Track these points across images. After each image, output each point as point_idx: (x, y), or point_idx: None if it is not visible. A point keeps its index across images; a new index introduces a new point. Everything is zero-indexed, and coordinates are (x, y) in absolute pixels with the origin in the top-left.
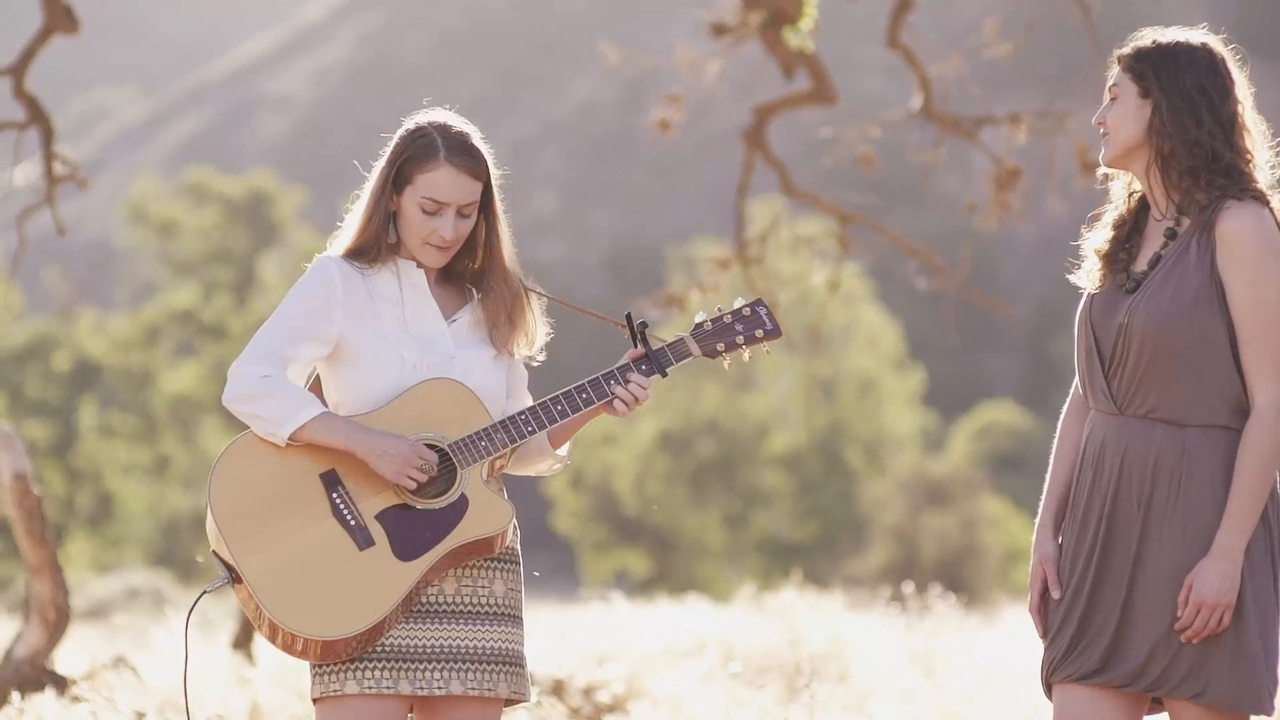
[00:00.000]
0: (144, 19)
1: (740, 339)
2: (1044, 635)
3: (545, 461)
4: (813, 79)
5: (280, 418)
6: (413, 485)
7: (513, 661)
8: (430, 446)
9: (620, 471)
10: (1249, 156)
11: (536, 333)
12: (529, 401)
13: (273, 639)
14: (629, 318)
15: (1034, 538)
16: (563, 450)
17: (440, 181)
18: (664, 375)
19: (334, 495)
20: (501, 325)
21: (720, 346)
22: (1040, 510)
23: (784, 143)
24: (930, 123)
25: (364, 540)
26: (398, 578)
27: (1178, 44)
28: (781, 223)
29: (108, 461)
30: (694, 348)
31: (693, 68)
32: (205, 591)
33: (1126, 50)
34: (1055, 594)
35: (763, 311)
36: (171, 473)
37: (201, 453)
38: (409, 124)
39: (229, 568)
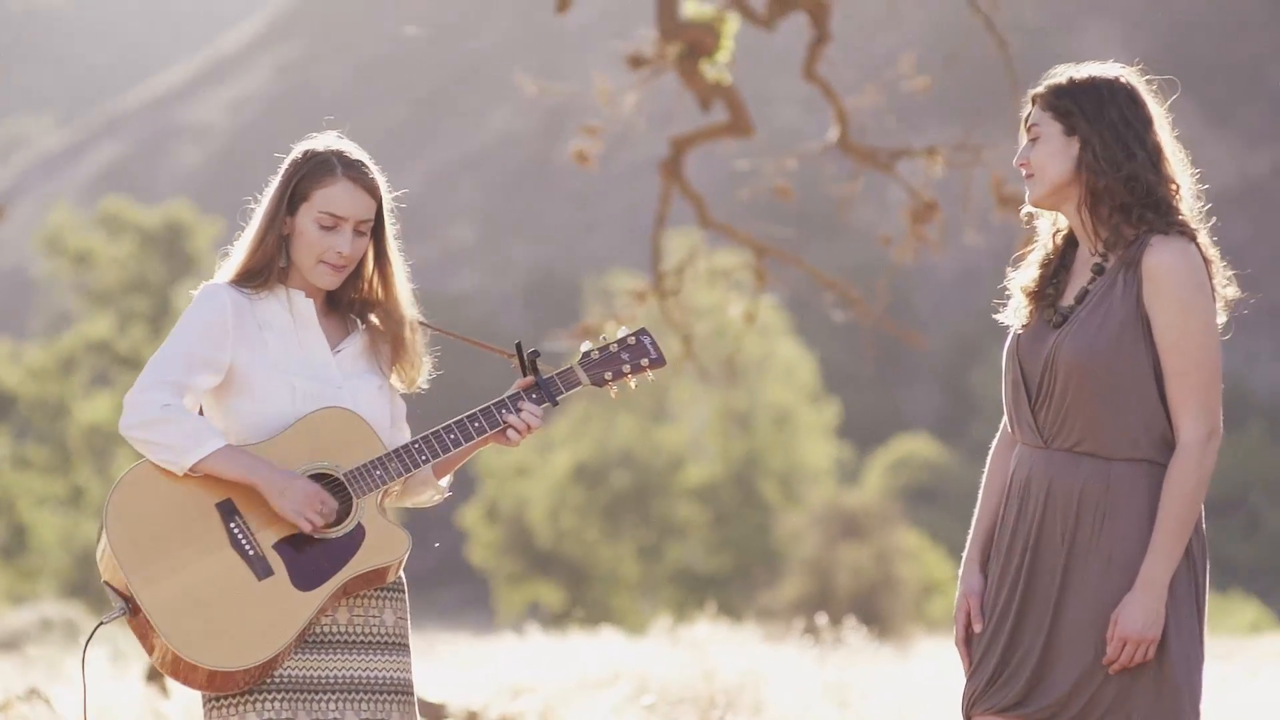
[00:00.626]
0: (62, 47)
1: (626, 368)
2: (967, 668)
3: (427, 493)
4: (730, 111)
5: (183, 447)
6: (309, 528)
7: (404, 690)
8: (324, 474)
9: (534, 504)
10: (1175, 185)
11: (422, 365)
12: (407, 432)
13: (168, 668)
14: (519, 347)
15: (960, 571)
16: (445, 481)
17: (338, 196)
18: (554, 404)
19: (231, 525)
20: (388, 355)
21: (608, 375)
22: (968, 544)
23: (701, 175)
24: (847, 155)
25: (262, 570)
26: (297, 608)
27: (1096, 78)
28: (699, 255)
29: (22, 492)
30: (582, 376)
31: (610, 99)
32: (102, 622)
33: (1043, 88)
34: (977, 628)
35: (647, 341)
36: (86, 503)
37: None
38: (302, 147)
39: (125, 598)
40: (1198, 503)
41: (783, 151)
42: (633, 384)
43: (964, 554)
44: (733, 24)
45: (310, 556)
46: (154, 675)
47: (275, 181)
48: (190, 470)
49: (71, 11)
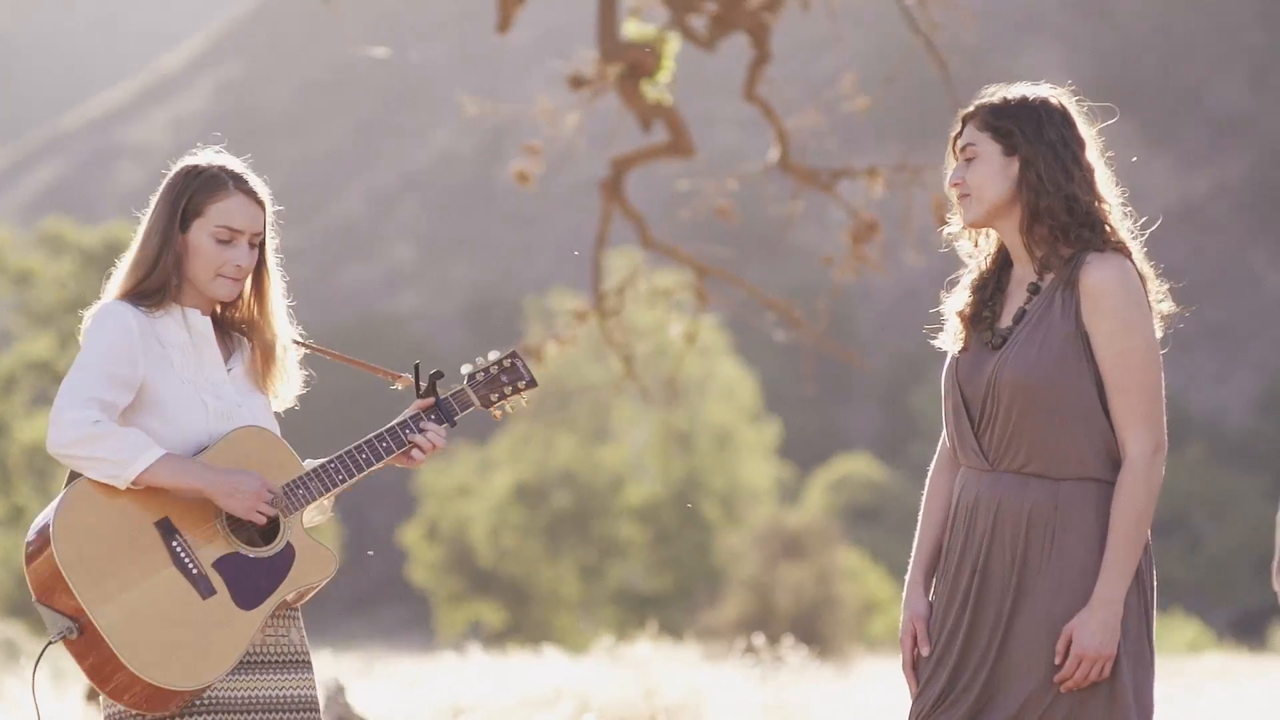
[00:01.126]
0: (2, 66)
1: (507, 389)
2: (914, 692)
3: (311, 513)
4: (670, 131)
5: (124, 460)
6: (262, 520)
7: (313, 708)
8: None
9: (475, 523)
10: (1107, 205)
11: (295, 381)
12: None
13: (109, 686)
14: (417, 368)
15: (905, 595)
16: (329, 503)
17: (234, 209)
18: (453, 424)
19: (173, 543)
20: (263, 372)
21: (494, 397)
22: (910, 568)
23: (642, 195)
24: (788, 175)
25: (206, 589)
26: (241, 626)
27: (1032, 99)
28: (639, 274)
29: None
30: (474, 398)
31: (552, 119)
32: (51, 642)
33: (977, 108)
34: (925, 651)
35: (519, 364)
36: (26, 523)
37: None
38: (185, 163)
39: (73, 617)
40: (1148, 518)
41: (724, 172)
42: (510, 407)
43: (907, 577)
44: (673, 44)
45: (248, 575)
46: (94, 694)
47: (159, 199)
48: (134, 482)
49: (12, 31)
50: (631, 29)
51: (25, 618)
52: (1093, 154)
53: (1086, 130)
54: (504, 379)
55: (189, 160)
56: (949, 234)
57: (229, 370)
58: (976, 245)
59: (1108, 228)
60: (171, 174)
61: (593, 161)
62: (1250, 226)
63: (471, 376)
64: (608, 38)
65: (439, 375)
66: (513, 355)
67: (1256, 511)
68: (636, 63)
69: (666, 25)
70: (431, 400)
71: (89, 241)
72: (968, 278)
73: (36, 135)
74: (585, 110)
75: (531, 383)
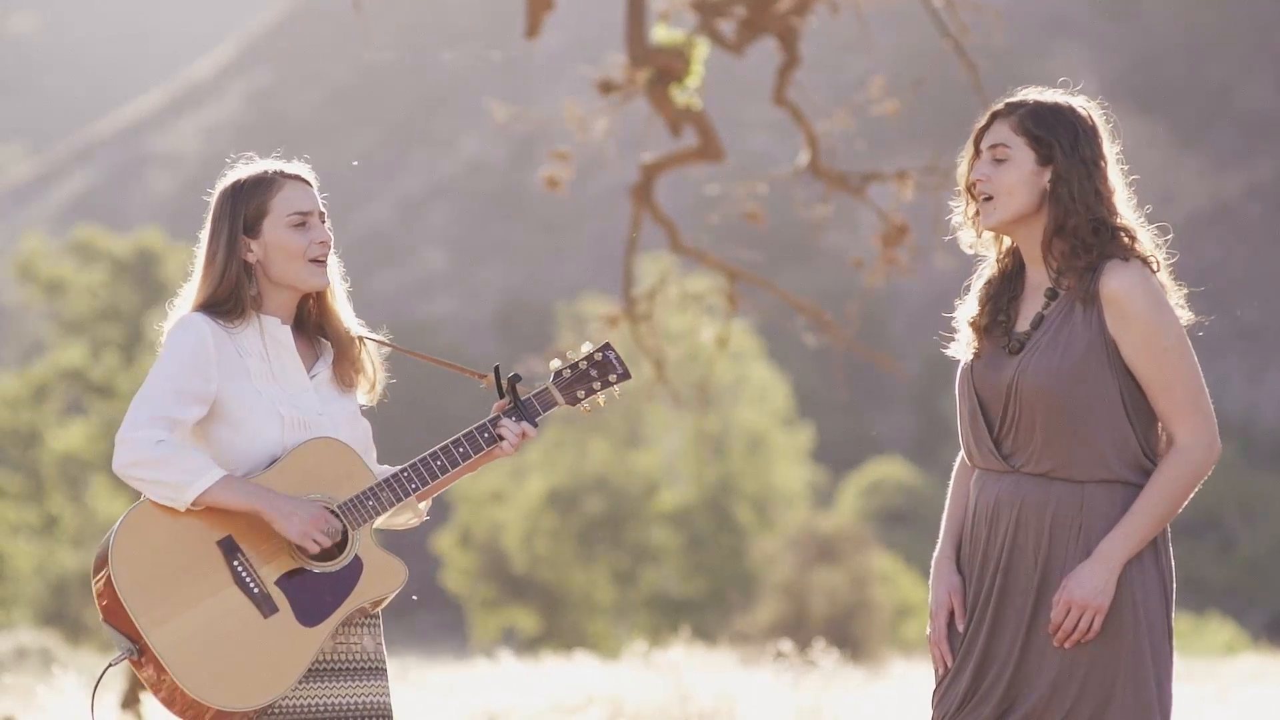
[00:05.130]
0: (32, 76)
1: (597, 384)
2: (947, 667)
3: (405, 515)
4: (700, 136)
5: (183, 483)
6: (316, 550)
7: (384, 714)
8: None
9: (509, 529)
10: (1127, 222)
11: (377, 379)
12: (374, 454)
13: (175, 708)
14: (497, 370)
15: (934, 570)
16: (424, 505)
17: (293, 194)
18: (534, 426)
19: (234, 563)
20: (342, 369)
21: (580, 394)
22: (940, 543)
23: (672, 200)
24: (818, 179)
25: (268, 608)
26: (303, 644)
27: (1068, 111)
28: (670, 279)
29: None
30: (558, 396)
31: (581, 125)
32: (111, 665)
33: (1014, 110)
34: (960, 626)
35: (612, 355)
36: (60, 532)
37: (90, 512)
38: (224, 184)
39: (133, 639)
40: (1178, 501)
41: (753, 176)
42: (602, 400)
43: (935, 554)
44: (702, 49)
45: (312, 591)
46: (128, 703)
47: (211, 223)
48: (192, 504)
49: (42, 40)
50: (660, 34)
51: (59, 626)
52: (1114, 173)
53: (1109, 148)
54: (593, 373)
55: (226, 180)
56: (955, 224)
57: (313, 376)
58: (980, 236)
59: (1128, 240)
60: (216, 197)
61: (623, 167)
62: None
63: (558, 374)
64: (636, 43)
65: (516, 378)
66: (605, 348)
67: None
68: (665, 68)
69: (695, 30)
70: (510, 402)
71: (120, 250)
72: (979, 283)
73: (67, 144)
74: (615, 115)
75: (624, 375)
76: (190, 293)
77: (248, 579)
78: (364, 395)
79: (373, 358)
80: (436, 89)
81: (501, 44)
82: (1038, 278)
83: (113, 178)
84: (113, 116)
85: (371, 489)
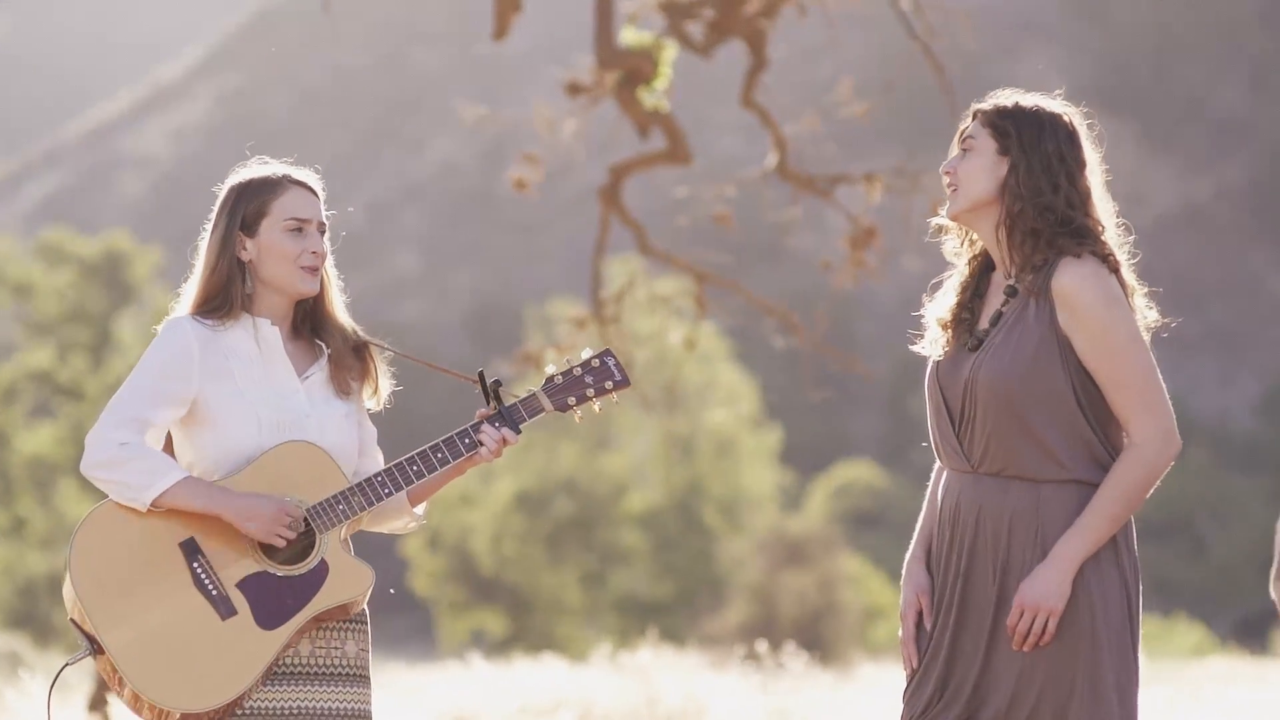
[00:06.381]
0: (0, 77)
1: (591, 391)
2: (915, 666)
3: (402, 519)
4: (668, 138)
5: (142, 484)
6: (282, 544)
7: None
8: None
9: (477, 531)
10: (1101, 227)
11: (382, 385)
12: (379, 458)
13: (136, 709)
14: (482, 375)
15: (905, 571)
16: (419, 509)
17: (295, 201)
18: (517, 433)
19: (194, 564)
20: (338, 373)
21: (571, 400)
22: (912, 544)
23: (641, 202)
24: (786, 182)
25: (226, 610)
26: (260, 647)
27: (1040, 109)
28: (638, 282)
29: None
30: (546, 403)
31: (550, 127)
32: (67, 664)
33: (987, 105)
34: (928, 625)
35: (611, 362)
36: (28, 534)
37: (59, 515)
38: (234, 180)
39: (90, 638)
40: (1136, 500)
41: (722, 178)
42: (597, 407)
43: (907, 555)
44: (670, 51)
45: (274, 594)
46: (96, 705)
47: (215, 218)
48: (153, 505)
49: (10, 42)
50: (629, 36)
51: (28, 629)
52: (1094, 178)
53: (1091, 154)
54: (588, 379)
55: (236, 177)
56: (935, 222)
57: (306, 378)
58: (963, 244)
59: (1092, 238)
60: (222, 193)
61: (592, 169)
62: (1252, 230)
63: (549, 379)
64: (605, 45)
65: (498, 384)
66: (604, 354)
67: (1260, 515)
68: (634, 70)
69: (663, 32)
70: (495, 408)
71: (88, 252)
72: (951, 281)
73: (35, 146)
74: (583, 117)
75: (623, 382)
76: (190, 288)
77: (206, 581)
78: (369, 400)
79: (375, 363)
80: (407, 91)
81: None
82: (1000, 276)
83: (82, 180)
84: (81, 119)
85: (342, 493)
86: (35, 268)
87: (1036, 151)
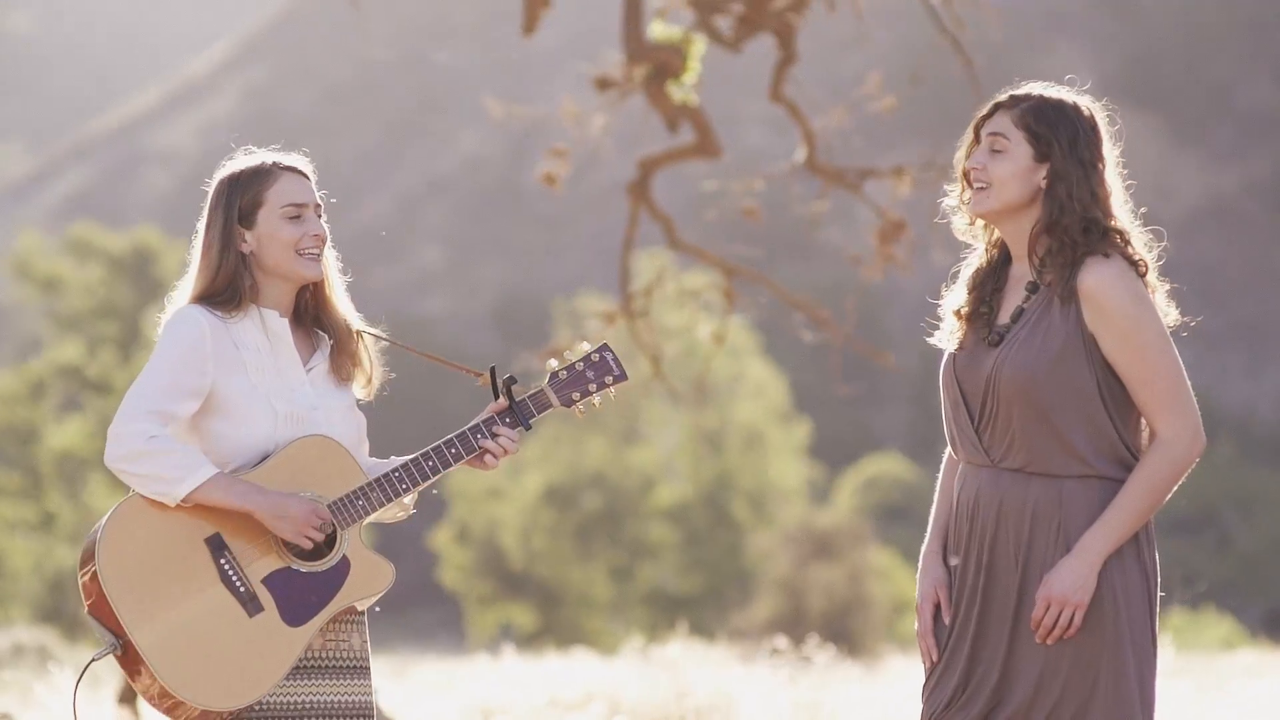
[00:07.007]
0: (29, 73)
1: (592, 386)
2: (935, 660)
3: (393, 510)
4: (697, 132)
5: (174, 478)
6: (310, 546)
7: (367, 713)
8: None
9: (506, 525)
10: (1120, 224)
11: (374, 374)
12: (366, 447)
13: (156, 703)
14: (493, 371)
15: (921, 564)
16: (409, 499)
17: (289, 186)
18: (528, 428)
19: (221, 560)
20: (339, 362)
21: (575, 395)
22: (927, 537)
23: (669, 196)
24: (815, 175)
25: (254, 607)
26: (287, 644)
27: (1070, 107)
28: (667, 276)
29: None
30: (553, 398)
31: (578, 121)
32: (94, 659)
33: (1019, 103)
34: (946, 618)
35: (609, 357)
36: (57, 529)
37: (87, 509)
38: (224, 173)
39: (116, 634)
40: (1161, 496)
41: (750, 172)
42: (598, 402)
43: (923, 548)
44: (699, 45)
45: (298, 591)
46: (125, 698)
47: (208, 213)
48: (183, 501)
49: (38, 38)
50: (657, 30)
51: (57, 623)
52: (1111, 174)
53: (1109, 149)
54: (590, 375)
55: (223, 171)
56: (947, 205)
57: (310, 369)
58: (972, 224)
59: (1120, 241)
60: (213, 188)
61: (620, 163)
62: (1279, 224)
63: (554, 375)
64: (633, 39)
65: (512, 380)
66: (602, 348)
67: None
68: (662, 64)
69: (692, 26)
70: (505, 403)
71: (116, 247)
72: (965, 274)
73: (63, 141)
74: (611, 112)
75: (621, 377)
76: (187, 285)
77: (234, 577)
78: (360, 390)
79: (370, 352)
80: (434, 86)
81: (499, 41)
82: (1021, 271)
83: (109, 175)
84: (109, 114)
85: (362, 489)
86: (64, 263)
87: (1074, 158)
